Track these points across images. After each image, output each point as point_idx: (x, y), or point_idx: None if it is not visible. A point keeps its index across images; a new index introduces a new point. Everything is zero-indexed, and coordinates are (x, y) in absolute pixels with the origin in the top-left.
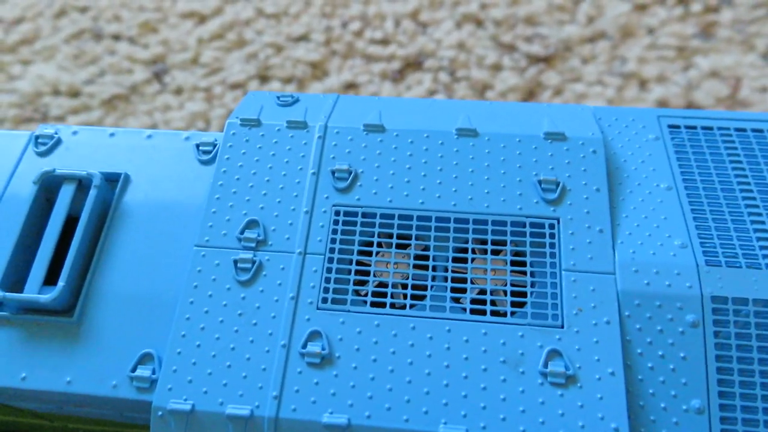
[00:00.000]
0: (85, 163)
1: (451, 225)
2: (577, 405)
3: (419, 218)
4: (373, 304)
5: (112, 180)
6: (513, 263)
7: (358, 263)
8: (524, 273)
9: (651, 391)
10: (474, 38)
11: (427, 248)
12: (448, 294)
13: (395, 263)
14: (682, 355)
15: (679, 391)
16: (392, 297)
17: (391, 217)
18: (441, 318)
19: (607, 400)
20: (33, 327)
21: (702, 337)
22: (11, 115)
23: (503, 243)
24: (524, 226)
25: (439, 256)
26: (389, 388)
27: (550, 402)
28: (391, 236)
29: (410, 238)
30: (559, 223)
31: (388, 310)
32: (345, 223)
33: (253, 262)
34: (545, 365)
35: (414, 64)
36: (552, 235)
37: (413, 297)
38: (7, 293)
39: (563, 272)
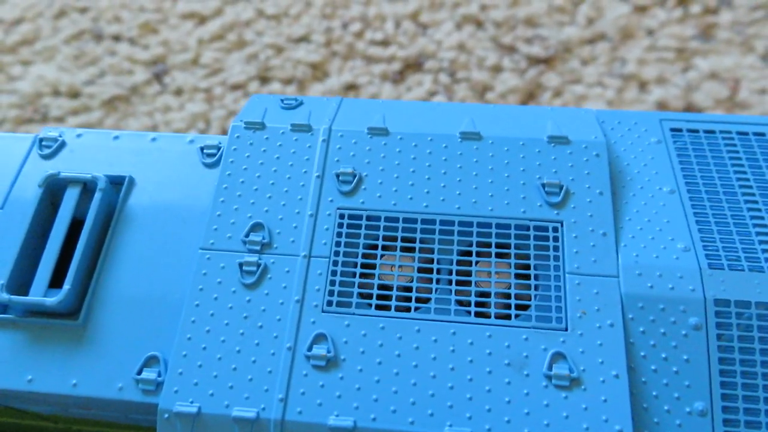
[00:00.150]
0: (90, 166)
1: (456, 228)
2: (581, 407)
3: (423, 221)
4: (378, 307)
5: (116, 183)
6: (517, 266)
7: (363, 266)
8: (528, 276)
9: (654, 393)
10: (474, 39)
11: (431, 251)
12: (453, 297)
13: (400, 266)
14: (685, 357)
15: (683, 394)
16: (397, 300)
17: (396, 220)
18: (445, 321)
19: (610, 403)
20: (38, 330)
21: (705, 339)
22: (11, 115)
23: (507, 246)
24: (528, 229)
25: (443, 259)
26: (394, 390)
27: (555, 404)
28: (395, 239)
29: (414, 241)
30: (562, 226)
31: (393, 313)
32: (349, 226)
33: (258, 265)
34: (549, 368)
35: (414, 65)
36: (555, 238)
37: (418, 300)
38: (12, 296)
39: (567, 275)
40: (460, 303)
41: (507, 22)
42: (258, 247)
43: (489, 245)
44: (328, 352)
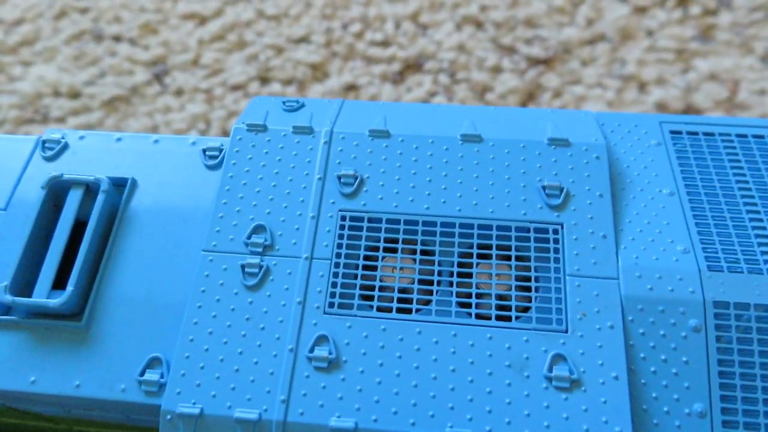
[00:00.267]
0: (93, 167)
1: (456, 230)
2: (581, 409)
3: (424, 223)
4: (380, 309)
5: (119, 185)
6: (517, 268)
7: (364, 268)
8: (528, 278)
9: (654, 395)
10: (474, 40)
11: (432, 253)
12: (454, 299)
13: (401, 268)
14: (684, 359)
15: (682, 395)
16: (398, 302)
17: (397, 222)
18: (447, 322)
19: (610, 404)
20: (42, 331)
21: (704, 341)
22: (12, 116)
23: (508, 248)
24: (528, 231)
25: (444, 260)
26: (396, 392)
27: (555, 406)
28: (396, 241)
29: (416, 243)
30: (562, 228)
31: (394, 314)
32: (351, 228)
33: (261, 267)
34: (550, 369)
35: (414, 65)
36: (556, 240)
37: (419, 302)
38: (16, 298)
39: (567, 277)
40: (460, 305)
41: (507, 23)
42: (260, 249)
43: (490, 247)
44: (330, 353)
